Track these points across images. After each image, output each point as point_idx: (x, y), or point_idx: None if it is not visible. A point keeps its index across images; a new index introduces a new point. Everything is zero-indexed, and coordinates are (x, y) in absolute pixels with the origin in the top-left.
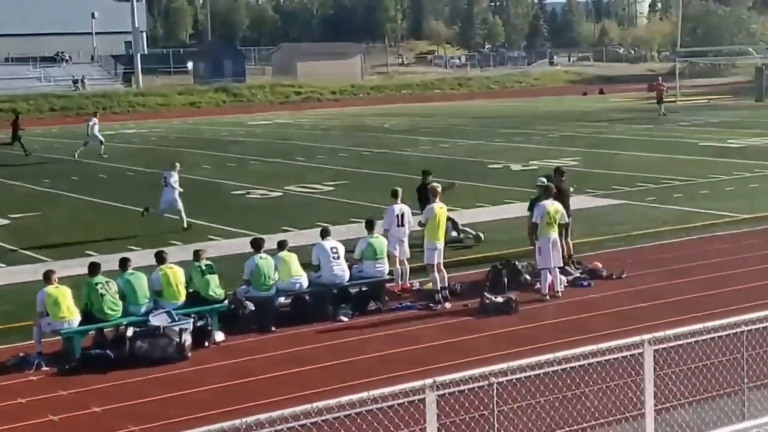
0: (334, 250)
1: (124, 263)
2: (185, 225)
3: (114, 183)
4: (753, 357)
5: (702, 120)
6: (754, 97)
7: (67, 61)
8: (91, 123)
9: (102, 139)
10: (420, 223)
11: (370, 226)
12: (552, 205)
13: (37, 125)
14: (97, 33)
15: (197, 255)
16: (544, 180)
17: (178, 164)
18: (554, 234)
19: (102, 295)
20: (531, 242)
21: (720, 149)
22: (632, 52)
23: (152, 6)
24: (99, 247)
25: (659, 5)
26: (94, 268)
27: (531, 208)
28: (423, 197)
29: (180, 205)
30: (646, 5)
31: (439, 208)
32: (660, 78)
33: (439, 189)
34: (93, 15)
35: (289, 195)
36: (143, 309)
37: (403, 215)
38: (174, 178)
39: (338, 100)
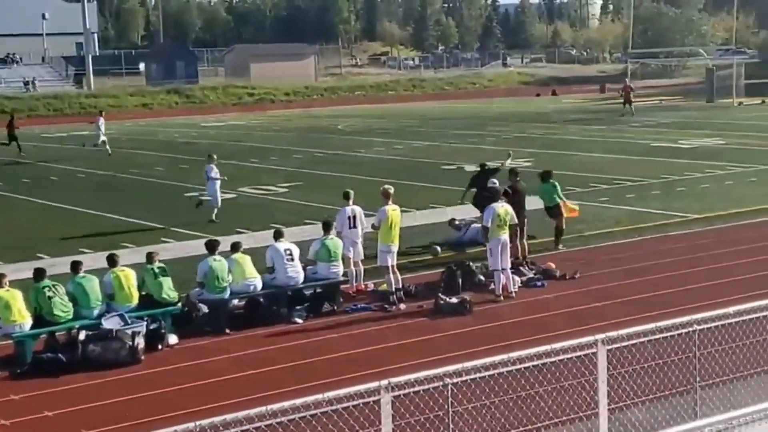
0: (288, 252)
1: (75, 266)
2: (213, 217)
3: (66, 185)
4: (705, 356)
5: (653, 121)
6: (704, 98)
7: (17, 62)
8: (99, 122)
9: (105, 138)
10: (373, 226)
11: (326, 228)
12: (502, 208)
13: None
14: (47, 34)
15: (150, 257)
16: (496, 182)
17: (215, 156)
18: (505, 235)
19: (50, 298)
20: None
21: (671, 150)
22: (584, 53)
23: (103, 7)
24: (50, 250)
25: (611, 7)
26: (39, 274)
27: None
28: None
29: (217, 197)
30: (598, 7)
31: (392, 210)
32: (627, 80)
33: (391, 191)
34: (44, 16)
35: (242, 196)
36: (96, 312)
37: (354, 217)
38: (214, 171)
39: (292, 102)
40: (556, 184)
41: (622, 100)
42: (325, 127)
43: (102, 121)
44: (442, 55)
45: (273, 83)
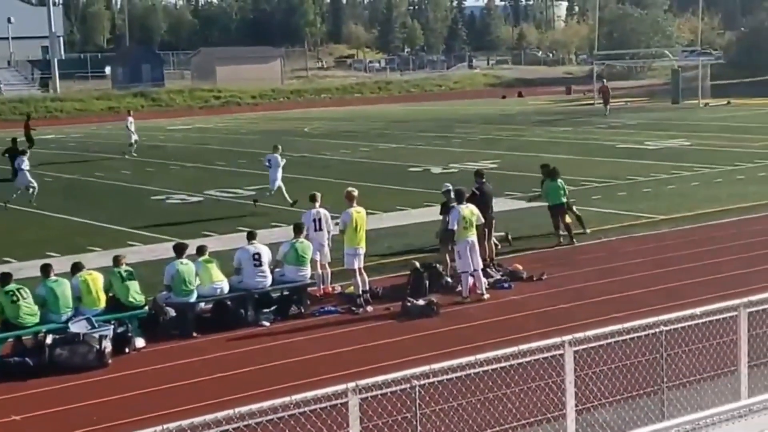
0: (257, 257)
1: (46, 269)
2: (290, 201)
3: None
4: (672, 357)
5: (619, 122)
6: (670, 99)
7: None
8: (128, 122)
9: (136, 138)
10: (340, 231)
11: (297, 230)
12: (467, 209)
13: None
14: (13, 38)
15: (117, 261)
16: (449, 185)
17: (280, 146)
18: (472, 237)
19: (14, 302)
20: (443, 249)
21: (637, 151)
22: (550, 55)
23: (69, 11)
24: (18, 254)
25: (576, 9)
26: (4, 278)
27: (443, 212)
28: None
29: (279, 183)
30: (564, 9)
31: (356, 212)
32: (604, 81)
33: (355, 193)
34: (9, 20)
35: (209, 199)
36: (64, 317)
37: (320, 219)
38: (277, 160)
39: (258, 105)
40: (562, 183)
41: (601, 101)
42: (291, 130)
43: (131, 120)
44: (408, 58)
45: (239, 86)
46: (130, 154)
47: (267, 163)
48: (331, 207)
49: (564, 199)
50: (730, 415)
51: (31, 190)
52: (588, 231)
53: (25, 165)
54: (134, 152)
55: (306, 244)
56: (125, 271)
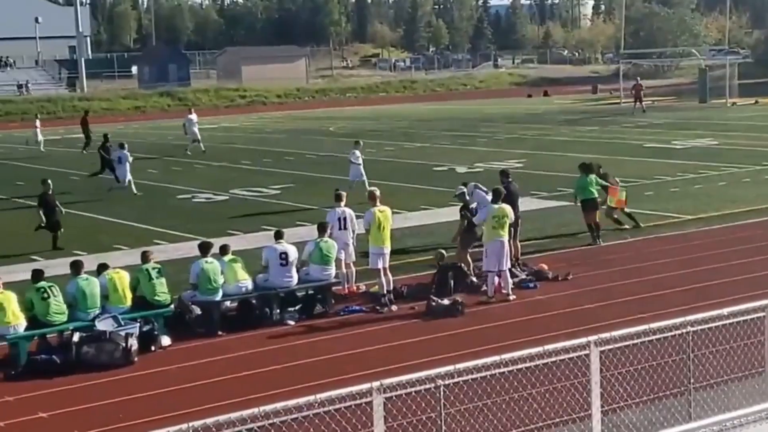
0: (283, 256)
1: (77, 266)
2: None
3: (58, 187)
4: (699, 357)
5: (646, 121)
6: (697, 98)
7: (10, 65)
8: (192, 119)
9: (199, 137)
10: (365, 229)
11: (321, 230)
12: (500, 208)
13: None
14: (41, 37)
15: (145, 257)
16: (463, 188)
17: (361, 141)
18: (502, 237)
19: (44, 299)
20: (462, 250)
21: (664, 150)
22: (576, 54)
23: (96, 10)
24: (44, 253)
25: (603, 7)
26: (37, 275)
27: (462, 214)
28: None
29: (363, 176)
30: (590, 7)
31: (380, 211)
32: (639, 79)
33: (377, 193)
34: (37, 20)
35: (234, 198)
36: (91, 315)
37: (345, 218)
38: (356, 155)
39: (283, 104)
40: (595, 178)
41: (635, 99)
42: (316, 129)
43: (192, 117)
44: (433, 57)
45: (264, 85)
46: (197, 150)
47: (352, 159)
48: (356, 207)
49: (595, 195)
50: (757, 417)
51: (127, 183)
52: (642, 225)
53: (128, 159)
54: (203, 148)
55: (330, 243)
56: (153, 268)
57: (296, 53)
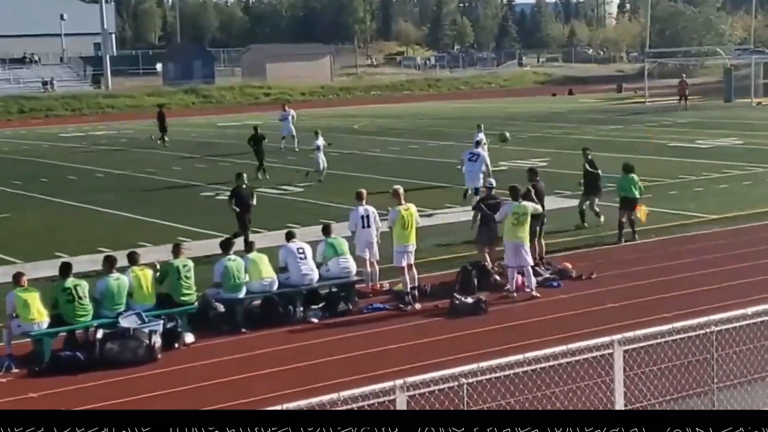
0: (301, 251)
1: (110, 263)
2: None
3: (84, 185)
4: (722, 357)
5: (670, 120)
6: (722, 97)
7: (36, 62)
8: (290, 115)
9: (294, 133)
10: (389, 227)
11: (326, 231)
12: (519, 205)
13: (6, 127)
14: (66, 34)
15: (176, 250)
16: (493, 181)
17: (482, 125)
18: (522, 234)
19: (69, 301)
20: (479, 248)
21: (688, 150)
22: (601, 53)
23: (121, 7)
24: (68, 249)
25: (628, 6)
26: (65, 269)
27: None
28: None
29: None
30: (615, 6)
31: (404, 209)
32: (684, 76)
33: (401, 191)
34: (62, 16)
35: (259, 196)
36: (115, 312)
37: (368, 216)
38: (479, 137)
39: (307, 102)
40: (636, 178)
41: (679, 97)
42: (341, 127)
43: (288, 113)
44: (458, 55)
45: (289, 83)
46: (290, 148)
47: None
48: (380, 205)
49: (636, 194)
50: None
51: (321, 168)
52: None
53: (321, 145)
54: (296, 147)
55: (339, 238)
56: (185, 265)
57: (321, 51)
